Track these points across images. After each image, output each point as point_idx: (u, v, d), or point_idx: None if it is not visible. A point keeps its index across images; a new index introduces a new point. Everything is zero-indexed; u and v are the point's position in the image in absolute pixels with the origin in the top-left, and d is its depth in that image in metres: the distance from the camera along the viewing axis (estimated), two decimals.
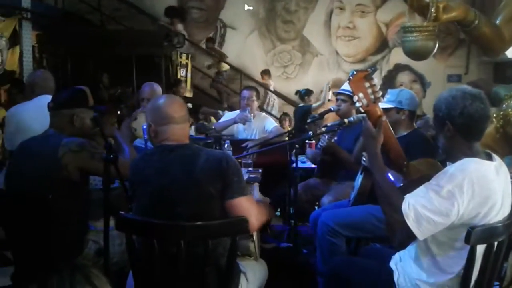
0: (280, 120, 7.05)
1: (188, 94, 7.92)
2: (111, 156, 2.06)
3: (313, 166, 4.08)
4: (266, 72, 8.61)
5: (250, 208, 1.90)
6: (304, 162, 4.07)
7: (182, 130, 2.01)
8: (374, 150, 1.96)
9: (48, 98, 3.12)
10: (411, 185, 1.95)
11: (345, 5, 8.69)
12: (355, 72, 1.98)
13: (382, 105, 2.87)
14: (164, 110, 1.98)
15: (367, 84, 1.93)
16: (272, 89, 8.70)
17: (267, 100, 8.64)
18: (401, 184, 2.05)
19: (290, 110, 8.27)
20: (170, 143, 1.97)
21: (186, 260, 1.77)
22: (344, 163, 3.51)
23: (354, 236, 2.94)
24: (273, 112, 8.51)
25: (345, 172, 3.59)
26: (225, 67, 8.60)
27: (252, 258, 2.23)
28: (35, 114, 3.03)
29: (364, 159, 2.93)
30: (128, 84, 7.18)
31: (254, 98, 4.20)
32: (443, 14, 2.61)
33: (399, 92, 3.03)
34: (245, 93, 4.21)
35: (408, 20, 3.08)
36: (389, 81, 8.70)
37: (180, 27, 8.43)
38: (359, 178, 3.02)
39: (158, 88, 3.82)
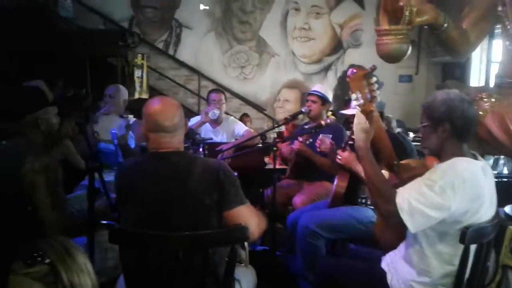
0: (241, 120, 7.00)
1: (144, 96, 7.72)
2: (97, 164, 1.96)
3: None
4: None
5: (250, 216, 1.87)
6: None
7: (174, 138, 1.90)
8: (365, 144, 1.97)
9: None
10: (402, 184, 1.98)
11: (300, 6, 8.75)
12: (355, 71, 1.99)
13: (352, 110, 2.91)
14: (154, 118, 1.88)
15: (365, 83, 1.95)
16: None
17: None
18: (393, 183, 2.08)
19: (248, 110, 8.26)
20: (162, 151, 1.89)
21: (184, 270, 1.71)
22: (317, 166, 3.53)
23: (334, 238, 2.96)
24: None
25: (317, 173, 3.62)
26: None
27: (243, 265, 2.20)
28: None
29: (339, 157, 2.95)
30: (82, 86, 6.88)
31: (224, 100, 4.13)
32: (416, 17, 2.65)
33: None
34: (214, 96, 4.11)
35: (380, 23, 3.09)
36: (344, 82, 8.86)
37: None
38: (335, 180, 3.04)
39: (123, 88, 4.25)
